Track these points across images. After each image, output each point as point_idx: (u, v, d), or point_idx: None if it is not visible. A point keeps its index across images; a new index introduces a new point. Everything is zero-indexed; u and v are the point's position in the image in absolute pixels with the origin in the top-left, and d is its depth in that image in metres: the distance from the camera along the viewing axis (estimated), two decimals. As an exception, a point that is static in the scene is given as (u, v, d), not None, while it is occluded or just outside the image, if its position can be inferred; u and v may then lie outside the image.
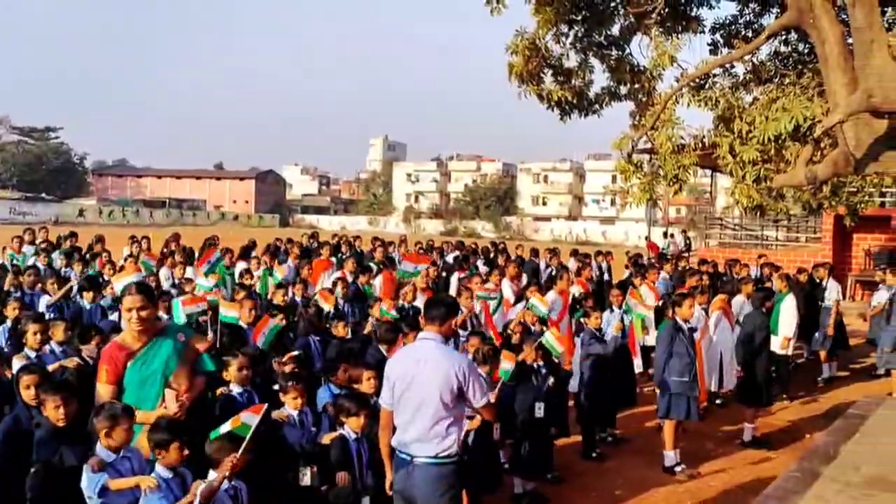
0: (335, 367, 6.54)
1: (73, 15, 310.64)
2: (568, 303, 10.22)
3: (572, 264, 14.52)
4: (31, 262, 11.75)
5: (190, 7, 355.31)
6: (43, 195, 70.72)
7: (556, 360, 7.67)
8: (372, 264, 13.12)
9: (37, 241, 13.40)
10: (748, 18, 9.74)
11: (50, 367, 6.07)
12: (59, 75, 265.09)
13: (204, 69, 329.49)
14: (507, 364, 6.50)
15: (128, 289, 4.90)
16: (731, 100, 7.56)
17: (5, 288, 9.82)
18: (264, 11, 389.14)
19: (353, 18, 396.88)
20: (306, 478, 5.42)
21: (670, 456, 7.81)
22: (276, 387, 6.15)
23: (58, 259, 12.27)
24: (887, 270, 11.57)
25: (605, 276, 15.76)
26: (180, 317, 7.51)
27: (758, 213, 8.52)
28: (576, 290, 11.20)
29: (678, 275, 13.48)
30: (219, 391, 5.86)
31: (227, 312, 7.70)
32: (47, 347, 6.61)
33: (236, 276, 11.87)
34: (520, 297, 10.88)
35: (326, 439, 5.64)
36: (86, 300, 9.38)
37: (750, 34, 9.35)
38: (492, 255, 16.66)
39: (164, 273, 12.03)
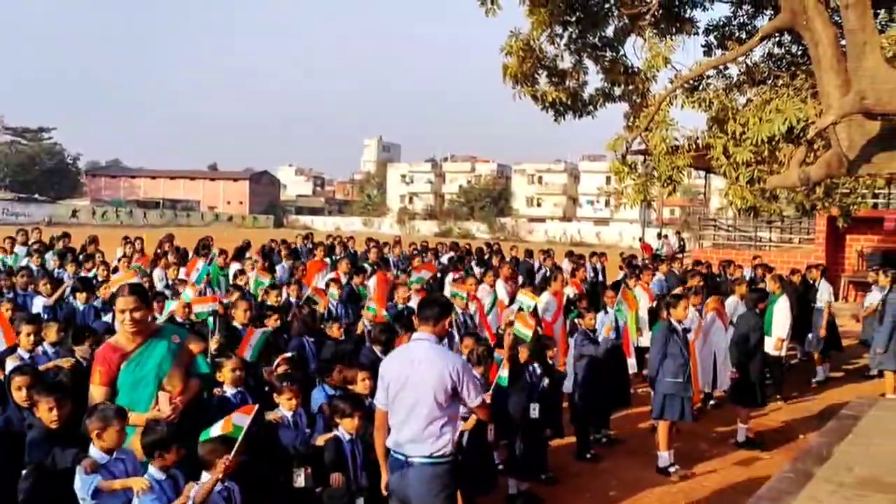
0: (330, 368, 6.53)
1: (66, 15, 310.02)
2: (562, 304, 10.22)
3: (566, 265, 14.54)
4: (23, 262, 11.71)
5: (184, 8, 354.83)
6: (36, 196, 70.51)
7: (551, 362, 7.67)
8: (366, 265, 13.11)
9: (29, 242, 13.36)
10: (742, 20, 9.77)
11: (42, 368, 6.05)
12: (52, 75, 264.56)
13: (198, 70, 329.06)
14: (502, 370, 6.48)
15: (121, 290, 4.88)
16: (725, 101, 7.59)
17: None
18: (260, 13, 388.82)
19: (348, 19, 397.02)
20: (300, 479, 5.40)
21: (664, 457, 7.82)
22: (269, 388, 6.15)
23: (51, 260, 12.23)
24: (880, 271, 11.60)
25: (600, 277, 15.79)
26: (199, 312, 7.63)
27: (751, 215, 8.54)
28: (570, 290, 11.21)
29: (680, 275, 13.48)
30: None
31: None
32: (40, 349, 6.58)
33: (230, 277, 11.84)
34: (514, 297, 10.88)
35: (321, 440, 5.62)
36: (79, 301, 9.35)
37: (744, 36, 9.37)
38: (486, 256, 16.67)
39: (157, 274, 12.00)
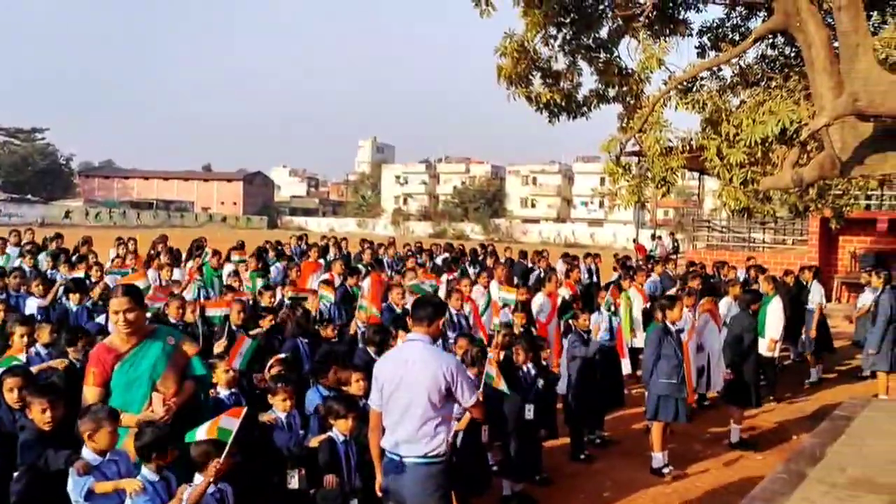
0: (324, 369, 6.52)
1: (60, 15, 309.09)
2: (556, 305, 10.23)
3: (561, 266, 14.55)
4: (16, 263, 11.65)
5: (179, 8, 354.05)
6: (29, 196, 70.25)
7: (545, 363, 7.68)
8: (360, 266, 13.09)
9: (22, 243, 13.29)
10: (735, 22, 9.81)
11: (35, 369, 6.02)
12: (45, 75, 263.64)
13: (192, 70, 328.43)
14: (490, 369, 6.48)
15: (114, 291, 4.87)
16: (719, 103, 7.62)
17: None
18: (255, 13, 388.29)
19: (343, 20, 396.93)
20: (294, 480, 5.40)
21: (658, 457, 7.83)
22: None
23: (44, 261, 12.18)
24: (872, 273, 11.64)
25: (594, 279, 15.81)
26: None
27: (745, 216, 8.57)
28: (564, 292, 11.22)
29: (674, 276, 13.51)
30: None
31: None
32: (33, 350, 6.55)
33: (224, 277, 11.81)
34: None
35: (314, 442, 5.62)
36: (72, 302, 9.31)
37: (737, 38, 9.41)
38: (480, 257, 16.67)
39: (150, 275, 11.95)
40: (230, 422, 4.23)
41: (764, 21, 7.93)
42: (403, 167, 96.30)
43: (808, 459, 6.76)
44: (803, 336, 12.34)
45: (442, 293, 11.13)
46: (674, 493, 7.34)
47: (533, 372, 7.23)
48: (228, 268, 12.39)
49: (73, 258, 12.80)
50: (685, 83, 7.79)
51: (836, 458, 6.77)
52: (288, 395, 5.78)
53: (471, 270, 14.32)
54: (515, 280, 12.98)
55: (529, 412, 6.89)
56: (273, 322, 8.23)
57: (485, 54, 8.65)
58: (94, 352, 4.88)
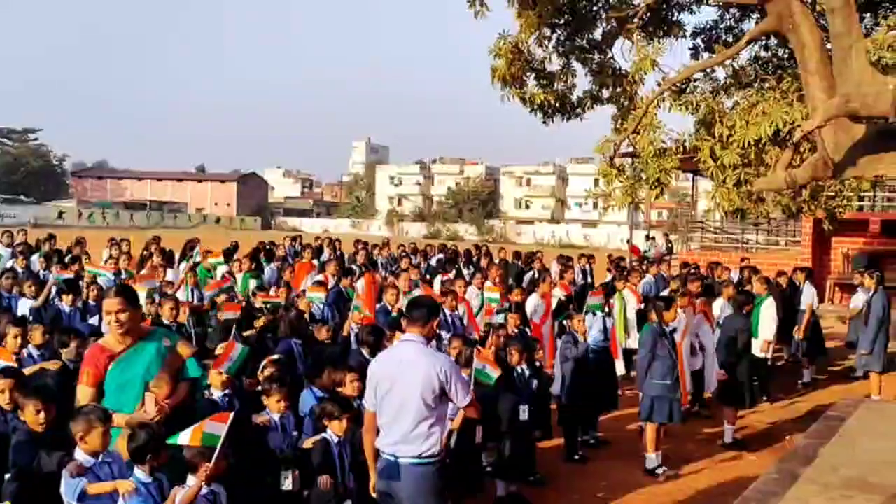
0: (318, 370, 6.52)
1: (52, 15, 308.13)
2: (550, 306, 10.24)
3: (555, 267, 14.57)
4: (8, 264, 11.61)
5: (172, 8, 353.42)
6: (21, 197, 69.96)
7: (538, 364, 7.69)
8: (354, 267, 13.08)
9: (14, 244, 13.24)
10: (729, 24, 9.85)
11: (27, 371, 6.00)
12: (38, 76, 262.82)
13: (186, 70, 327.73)
14: (491, 371, 6.47)
15: (108, 292, 4.85)
16: (712, 104, 7.63)
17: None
18: (246, 13, 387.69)
19: (336, 20, 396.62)
20: (287, 482, 5.39)
21: (652, 458, 7.84)
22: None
23: (37, 262, 12.14)
24: (865, 274, 11.68)
25: (588, 279, 15.83)
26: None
27: (738, 217, 8.59)
28: (559, 293, 11.23)
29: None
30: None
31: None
32: (25, 351, 6.53)
33: (217, 278, 11.78)
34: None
35: (308, 443, 5.61)
36: (65, 304, 9.28)
37: (730, 39, 9.46)
38: (475, 258, 16.68)
39: (144, 276, 11.92)
40: (216, 427, 4.22)
41: (757, 23, 7.95)
42: (398, 168, 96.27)
43: (801, 460, 6.78)
44: (795, 337, 12.37)
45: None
46: (667, 493, 7.35)
47: (527, 373, 7.24)
48: (222, 269, 12.37)
49: (66, 259, 12.76)
50: (679, 84, 7.80)
51: (828, 458, 6.79)
52: (282, 396, 5.77)
53: (465, 271, 14.32)
54: (510, 281, 12.99)
55: (524, 413, 6.90)
56: (267, 323, 8.23)
57: (479, 55, 8.66)
58: (88, 352, 4.86)
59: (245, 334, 7.98)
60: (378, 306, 9.73)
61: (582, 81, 8.84)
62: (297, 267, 12.92)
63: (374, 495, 4.69)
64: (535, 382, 7.24)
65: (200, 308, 9.65)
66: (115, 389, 4.66)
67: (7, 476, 4.49)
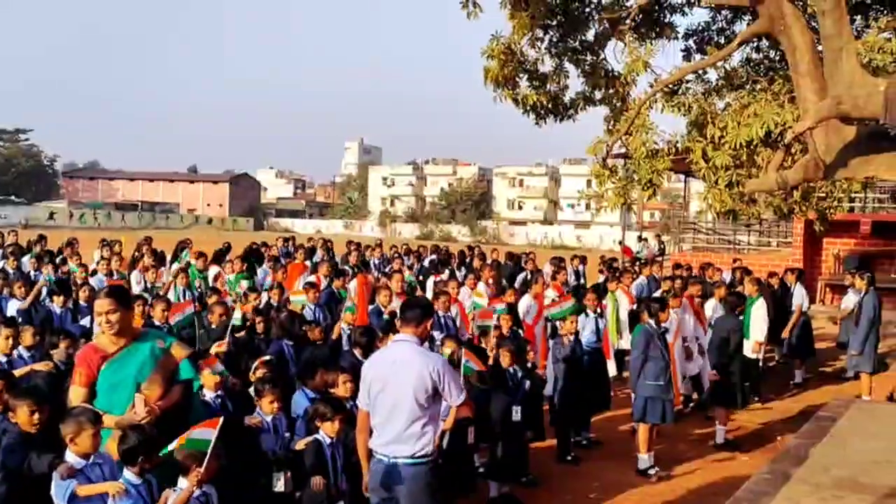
0: (311, 371, 6.51)
1: (42, 14, 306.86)
2: (543, 307, 10.24)
3: (547, 268, 14.58)
4: (-1, 265, 11.56)
5: (164, 9, 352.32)
6: (13, 198, 69.64)
7: (530, 364, 7.69)
8: (347, 268, 13.07)
9: (5, 245, 13.19)
10: (720, 25, 9.86)
11: (18, 372, 5.97)
12: (29, 76, 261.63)
13: (178, 71, 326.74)
14: (474, 364, 6.51)
15: (99, 293, 4.84)
16: (704, 105, 7.66)
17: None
18: (241, 14, 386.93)
19: (329, 21, 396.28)
20: (280, 483, 5.38)
21: (644, 459, 7.86)
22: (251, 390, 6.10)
23: (28, 263, 12.09)
24: (856, 275, 11.73)
25: (581, 280, 15.85)
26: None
27: (730, 218, 8.61)
28: (552, 293, 11.24)
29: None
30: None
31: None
32: (15, 353, 6.50)
33: (209, 279, 11.76)
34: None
35: (301, 444, 5.60)
36: (56, 305, 9.24)
37: (722, 41, 9.47)
38: (468, 259, 16.67)
39: (134, 277, 11.90)
40: (206, 432, 4.21)
41: (749, 25, 7.98)
42: (390, 169, 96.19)
43: (792, 460, 6.80)
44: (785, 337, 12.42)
45: (429, 294, 11.15)
46: (659, 494, 7.36)
47: (519, 374, 7.24)
48: (214, 269, 12.34)
49: (58, 260, 12.72)
50: (671, 86, 7.81)
51: (820, 458, 6.81)
52: (275, 397, 5.76)
53: (458, 273, 14.31)
54: (503, 282, 12.99)
55: (516, 414, 6.90)
56: (262, 324, 8.21)
57: (472, 56, 8.66)
58: (81, 352, 4.85)
59: (238, 335, 7.96)
60: (371, 307, 9.72)
61: (574, 83, 8.85)
62: (290, 268, 12.90)
63: (367, 495, 4.69)
64: (527, 383, 7.24)
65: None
66: (107, 390, 4.64)
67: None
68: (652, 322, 7.98)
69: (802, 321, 12.30)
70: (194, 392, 5.43)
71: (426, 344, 4.97)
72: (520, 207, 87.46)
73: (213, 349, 6.64)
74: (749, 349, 10.38)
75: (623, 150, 8.11)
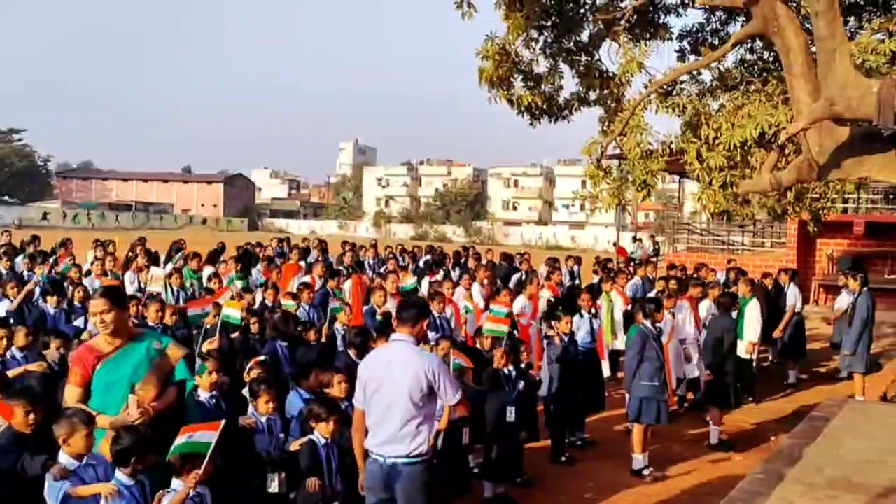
0: (305, 372, 6.50)
1: (34, 14, 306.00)
2: (537, 307, 10.25)
3: (542, 269, 14.59)
4: (-9, 266, 11.50)
5: (158, 9, 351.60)
6: (6, 198, 69.39)
7: (523, 364, 7.69)
8: (341, 268, 13.05)
9: (-2, 245, 13.14)
10: (714, 26, 9.90)
11: (11, 373, 5.95)
12: (22, 75, 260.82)
13: (172, 71, 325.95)
14: (462, 362, 6.52)
15: (94, 293, 4.83)
16: (698, 106, 7.68)
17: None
18: (234, 14, 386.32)
19: (324, 21, 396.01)
20: (274, 484, 5.37)
21: (639, 459, 7.87)
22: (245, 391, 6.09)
23: (21, 263, 12.05)
24: (849, 275, 11.76)
25: (576, 281, 15.86)
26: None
27: (724, 219, 8.64)
28: (546, 294, 11.25)
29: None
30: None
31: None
32: (9, 353, 6.47)
33: (204, 280, 11.73)
34: (489, 301, 10.89)
35: (296, 445, 5.59)
36: (50, 305, 9.21)
37: (716, 42, 9.51)
38: (462, 259, 16.67)
39: (128, 277, 11.87)
40: (206, 435, 4.20)
41: (743, 26, 8.00)
42: (385, 169, 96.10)
43: (786, 460, 6.81)
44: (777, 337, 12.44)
45: (424, 295, 11.12)
46: (654, 494, 7.37)
47: (514, 374, 7.24)
48: (208, 270, 12.31)
49: (51, 260, 12.67)
50: (665, 87, 7.83)
51: (813, 458, 6.83)
52: (271, 397, 5.75)
53: (453, 273, 14.31)
54: (498, 283, 12.99)
55: (510, 414, 6.91)
56: (257, 324, 8.20)
57: (467, 57, 8.66)
58: (77, 352, 4.86)
59: (233, 336, 7.94)
60: (365, 308, 9.71)
61: (569, 83, 8.88)
62: (284, 268, 12.88)
63: (363, 494, 4.69)
64: (521, 384, 7.25)
65: (186, 309, 9.58)
66: (102, 390, 4.63)
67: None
68: (647, 323, 8.00)
69: (795, 321, 12.33)
70: (188, 392, 5.42)
71: (422, 344, 4.97)
72: (514, 208, 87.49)
73: (205, 347, 6.64)
74: (743, 349, 10.41)
75: (618, 151, 8.13)
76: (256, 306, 9.50)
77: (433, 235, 67.48)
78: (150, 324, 7.80)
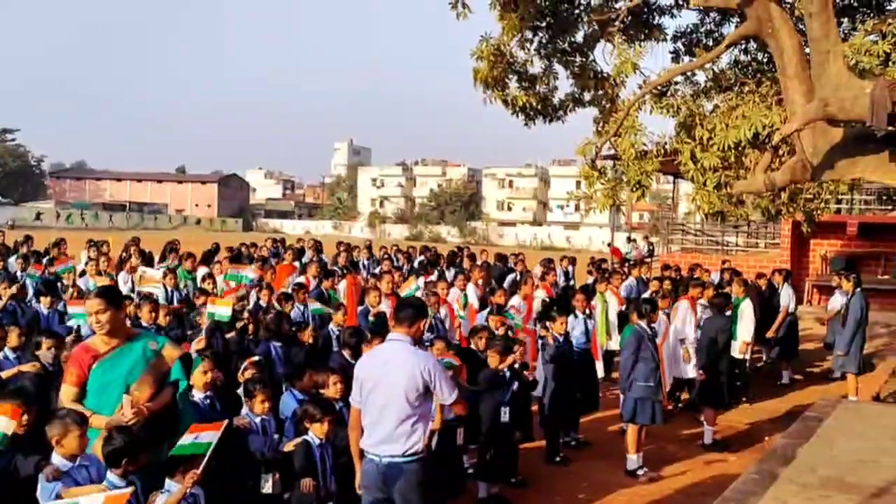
0: (300, 372, 6.49)
1: (29, 13, 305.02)
2: (532, 307, 10.26)
3: (537, 269, 14.59)
4: (-15, 266, 11.47)
5: (152, 9, 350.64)
6: (-1, 198, 69.18)
7: (516, 365, 7.69)
8: (336, 269, 13.04)
9: (-9, 245, 13.09)
10: (709, 27, 9.91)
11: (5, 374, 5.93)
12: (16, 75, 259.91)
13: (166, 71, 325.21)
14: (452, 360, 6.53)
15: (89, 293, 4.83)
16: (693, 107, 7.70)
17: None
18: (228, 14, 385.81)
19: (319, 21, 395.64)
20: (268, 485, 5.36)
21: (633, 459, 7.88)
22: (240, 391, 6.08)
23: (14, 264, 12.01)
24: (843, 276, 11.79)
25: (570, 281, 15.87)
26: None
27: (718, 219, 8.67)
28: (541, 294, 11.25)
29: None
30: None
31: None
32: (1, 354, 6.45)
33: (198, 280, 11.70)
34: (483, 301, 10.90)
35: (290, 446, 5.58)
36: (43, 305, 9.18)
37: (710, 43, 9.52)
38: (457, 259, 16.66)
39: (122, 277, 11.83)
40: (207, 435, 4.19)
41: (737, 27, 8.02)
42: (380, 170, 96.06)
43: (779, 460, 6.83)
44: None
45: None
46: (648, 494, 7.38)
47: (508, 375, 7.24)
48: (202, 270, 12.28)
49: (45, 260, 12.62)
50: (660, 88, 7.85)
51: (807, 458, 6.85)
52: (266, 397, 5.75)
53: (447, 273, 14.30)
54: (492, 283, 13.00)
55: (505, 415, 6.91)
56: (251, 324, 8.18)
57: (462, 57, 8.67)
58: (73, 351, 4.85)
59: (228, 337, 7.92)
60: (360, 308, 9.70)
61: (563, 84, 8.89)
62: (279, 269, 12.85)
63: (359, 493, 4.69)
64: (515, 384, 7.25)
65: (180, 310, 9.57)
66: (97, 390, 4.62)
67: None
68: (643, 323, 8.01)
69: (789, 322, 12.37)
70: (182, 393, 5.40)
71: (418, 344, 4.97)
72: (509, 208, 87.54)
73: (193, 346, 6.62)
74: (736, 350, 10.44)
75: (612, 152, 8.14)
76: (251, 306, 9.48)
77: (428, 236, 67.49)
78: (144, 324, 7.78)
